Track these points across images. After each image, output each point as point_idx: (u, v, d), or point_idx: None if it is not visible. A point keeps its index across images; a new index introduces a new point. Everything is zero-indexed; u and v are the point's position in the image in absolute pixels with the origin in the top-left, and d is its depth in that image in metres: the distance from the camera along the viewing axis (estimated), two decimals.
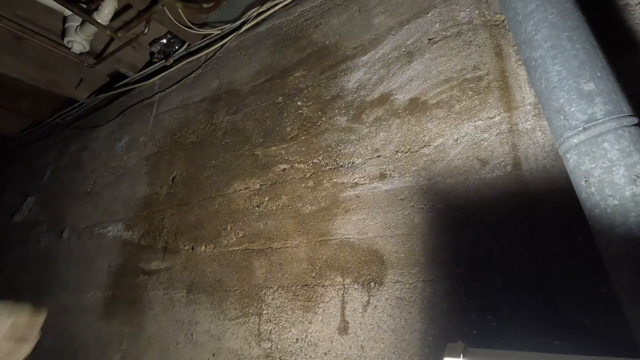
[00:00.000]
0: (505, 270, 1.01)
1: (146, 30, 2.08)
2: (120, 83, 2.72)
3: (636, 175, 0.73)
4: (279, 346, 1.34)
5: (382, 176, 1.33)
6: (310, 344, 1.28)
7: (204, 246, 1.73)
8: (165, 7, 1.99)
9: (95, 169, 2.62)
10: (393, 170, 1.31)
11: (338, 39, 1.68)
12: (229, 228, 1.68)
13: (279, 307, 1.40)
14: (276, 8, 1.96)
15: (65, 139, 3.09)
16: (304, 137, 1.60)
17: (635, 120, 0.78)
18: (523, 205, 1.04)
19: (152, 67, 2.54)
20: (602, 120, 0.79)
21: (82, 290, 2.19)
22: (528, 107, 1.11)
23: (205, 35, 2.29)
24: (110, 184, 2.43)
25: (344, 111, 1.53)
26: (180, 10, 2.04)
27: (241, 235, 1.62)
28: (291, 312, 1.36)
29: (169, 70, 2.42)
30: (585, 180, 0.80)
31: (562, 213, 0.97)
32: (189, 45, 2.35)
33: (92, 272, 2.19)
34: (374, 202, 1.31)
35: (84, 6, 2.08)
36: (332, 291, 1.29)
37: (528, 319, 0.95)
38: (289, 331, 1.34)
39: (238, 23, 2.09)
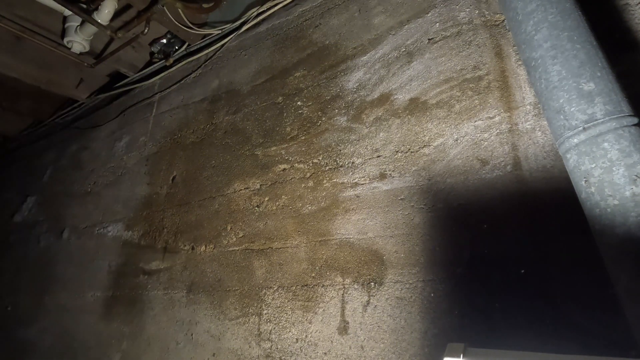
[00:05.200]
0: (505, 270, 1.01)
1: (146, 30, 2.07)
2: (120, 83, 2.72)
3: (636, 175, 0.73)
4: (279, 346, 1.34)
5: (382, 176, 1.33)
6: (310, 344, 1.28)
7: (204, 246, 1.73)
8: (165, 7, 1.99)
9: (95, 169, 2.62)
10: (393, 170, 1.31)
11: (338, 39, 1.68)
12: (229, 228, 1.68)
13: (279, 307, 1.40)
14: (276, 8, 1.96)
15: (65, 139, 3.09)
16: (304, 137, 1.60)
17: (635, 120, 0.78)
18: (523, 205, 1.04)
19: (152, 67, 2.54)
20: (602, 120, 0.79)
21: (82, 290, 2.19)
22: (528, 107, 1.11)
23: (205, 35, 2.28)
24: (110, 184, 2.43)
25: (344, 111, 1.53)
26: (180, 10, 2.04)
27: (241, 235, 1.62)
28: (291, 312, 1.36)
29: (169, 70, 2.42)
30: (585, 180, 0.80)
31: (562, 213, 0.97)
32: (189, 45, 2.35)
33: (92, 272, 2.20)
34: (374, 202, 1.31)
35: (84, 6, 2.08)
36: (332, 291, 1.29)
37: (528, 319, 0.95)
38: (289, 331, 1.34)
39: (238, 23, 2.09)
